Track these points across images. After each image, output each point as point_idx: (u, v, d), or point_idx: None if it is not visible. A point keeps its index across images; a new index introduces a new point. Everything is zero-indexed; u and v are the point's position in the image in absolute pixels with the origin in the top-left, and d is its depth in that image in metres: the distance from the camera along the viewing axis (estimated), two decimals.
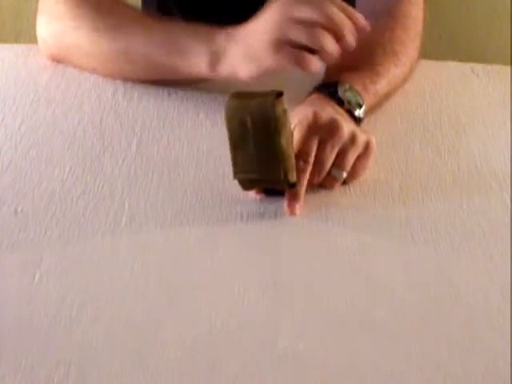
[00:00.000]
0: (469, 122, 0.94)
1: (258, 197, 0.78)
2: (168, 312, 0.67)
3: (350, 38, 0.83)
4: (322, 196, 0.80)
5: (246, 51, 0.87)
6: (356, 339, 0.65)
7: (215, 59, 0.90)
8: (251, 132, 0.74)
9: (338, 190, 0.81)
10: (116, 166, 0.84)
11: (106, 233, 0.75)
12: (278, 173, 0.75)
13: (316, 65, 0.83)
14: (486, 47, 1.61)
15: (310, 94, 0.88)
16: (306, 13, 0.83)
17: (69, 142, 0.87)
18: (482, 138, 0.91)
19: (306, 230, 0.76)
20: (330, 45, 0.82)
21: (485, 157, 0.88)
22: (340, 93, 0.86)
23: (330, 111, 0.82)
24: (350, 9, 0.84)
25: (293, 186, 0.76)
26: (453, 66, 1.06)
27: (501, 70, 1.05)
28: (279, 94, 0.74)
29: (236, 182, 0.77)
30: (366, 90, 0.88)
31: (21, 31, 1.72)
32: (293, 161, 0.75)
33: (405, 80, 0.96)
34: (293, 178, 0.75)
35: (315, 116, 0.79)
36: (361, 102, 0.87)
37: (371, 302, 0.69)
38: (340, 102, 0.85)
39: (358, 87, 0.87)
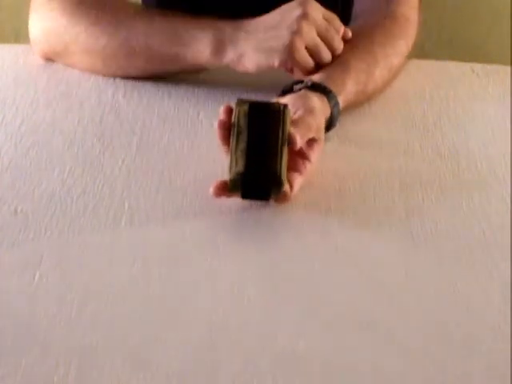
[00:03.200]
0: (469, 122, 0.94)
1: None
2: (168, 312, 0.67)
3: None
4: (322, 196, 0.80)
5: (257, 43, 0.89)
6: (356, 339, 0.65)
7: (220, 46, 0.90)
8: (256, 123, 0.76)
9: (337, 190, 0.81)
10: (116, 166, 0.84)
11: (106, 233, 0.75)
12: (274, 166, 0.74)
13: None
14: (486, 47, 1.61)
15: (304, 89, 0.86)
16: (319, 18, 0.89)
17: (69, 141, 0.87)
18: (481, 137, 0.91)
19: (306, 230, 0.76)
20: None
21: (485, 157, 0.88)
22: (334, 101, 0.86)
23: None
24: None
25: (279, 184, 0.75)
26: (453, 66, 1.05)
27: (501, 70, 1.05)
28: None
29: None
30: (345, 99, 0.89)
31: (20, 31, 1.72)
32: (285, 162, 0.76)
33: (384, 84, 0.96)
34: (283, 176, 0.75)
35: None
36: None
37: (371, 301, 0.69)
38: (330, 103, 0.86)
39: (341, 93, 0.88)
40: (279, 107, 0.77)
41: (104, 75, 0.98)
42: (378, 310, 0.68)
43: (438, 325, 0.67)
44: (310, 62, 0.89)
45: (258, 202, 0.78)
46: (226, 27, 0.91)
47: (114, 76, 0.98)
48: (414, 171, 0.85)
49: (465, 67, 1.05)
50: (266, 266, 0.72)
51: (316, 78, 0.88)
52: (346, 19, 1.13)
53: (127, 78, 0.97)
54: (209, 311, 0.67)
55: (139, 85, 0.97)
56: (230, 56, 0.90)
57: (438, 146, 0.89)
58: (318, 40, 0.89)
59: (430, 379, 0.62)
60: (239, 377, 0.61)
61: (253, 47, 0.89)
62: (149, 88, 0.97)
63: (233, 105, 0.78)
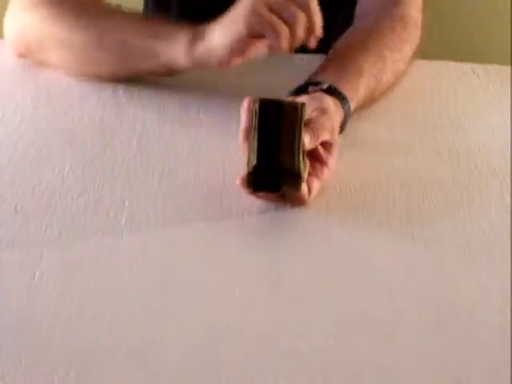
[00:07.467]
0: (469, 122, 0.94)
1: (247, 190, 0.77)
2: (168, 311, 0.67)
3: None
4: (322, 196, 0.80)
5: (223, 25, 0.86)
6: (356, 339, 0.65)
7: (193, 41, 0.88)
8: (268, 119, 0.75)
9: (338, 190, 0.81)
10: (116, 165, 0.84)
11: (106, 231, 0.75)
12: (289, 160, 0.74)
13: (285, 43, 0.82)
14: (486, 47, 1.61)
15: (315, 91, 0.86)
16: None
17: (69, 139, 0.87)
18: (481, 138, 0.91)
19: (307, 230, 0.76)
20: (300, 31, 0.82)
21: (485, 157, 0.88)
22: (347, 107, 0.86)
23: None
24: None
25: (298, 177, 0.75)
26: (453, 66, 1.06)
27: (501, 70, 1.05)
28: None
29: (235, 180, 0.77)
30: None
31: None
32: (304, 159, 0.76)
33: (388, 89, 0.96)
34: (302, 172, 0.75)
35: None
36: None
37: (371, 301, 0.69)
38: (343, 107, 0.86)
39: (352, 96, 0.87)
40: (296, 105, 0.77)
41: (76, 73, 0.96)
42: (378, 310, 0.68)
43: (438, 325, 0.67)
44: (278, 24, 0.82)
45: (259, 203, 0.78)
46: (201, 27, 0.89)
47: (85, 75, 0.96)
48: (414, 171, 0.85)
49: (465, 67, 1.05)
50: (266, 265, 0.72)
51: (331, 80, 0.87)
52: (348, 18, 1.13)
53: (99, 79, 0.95)
54: (209, 311, 0.67)
55: (140, 83, 0.97)
56: (200, 49, 0.88)
57: (438, 146, 0.89)
58: (285, 3, 0.83)
59: (430, 379, 0.62)
60: (239, 377, 0.61)
61: (219, 30, 0.86)
62: (149, 87, 0.97)
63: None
